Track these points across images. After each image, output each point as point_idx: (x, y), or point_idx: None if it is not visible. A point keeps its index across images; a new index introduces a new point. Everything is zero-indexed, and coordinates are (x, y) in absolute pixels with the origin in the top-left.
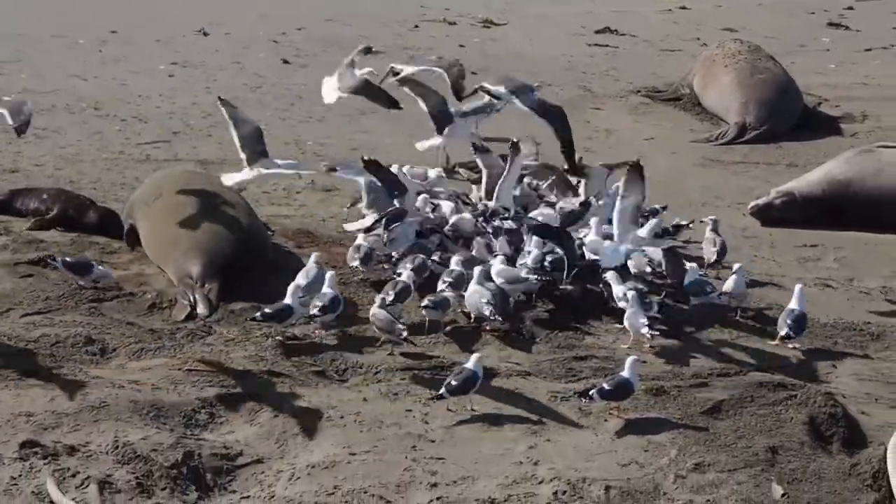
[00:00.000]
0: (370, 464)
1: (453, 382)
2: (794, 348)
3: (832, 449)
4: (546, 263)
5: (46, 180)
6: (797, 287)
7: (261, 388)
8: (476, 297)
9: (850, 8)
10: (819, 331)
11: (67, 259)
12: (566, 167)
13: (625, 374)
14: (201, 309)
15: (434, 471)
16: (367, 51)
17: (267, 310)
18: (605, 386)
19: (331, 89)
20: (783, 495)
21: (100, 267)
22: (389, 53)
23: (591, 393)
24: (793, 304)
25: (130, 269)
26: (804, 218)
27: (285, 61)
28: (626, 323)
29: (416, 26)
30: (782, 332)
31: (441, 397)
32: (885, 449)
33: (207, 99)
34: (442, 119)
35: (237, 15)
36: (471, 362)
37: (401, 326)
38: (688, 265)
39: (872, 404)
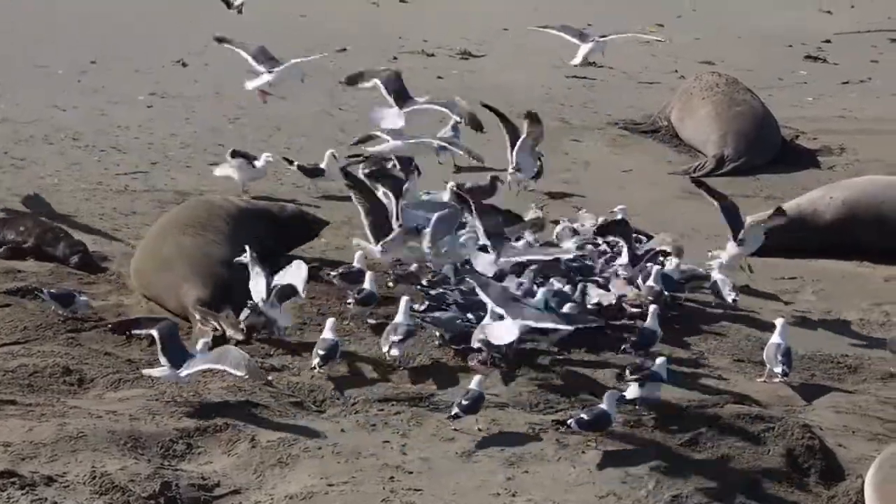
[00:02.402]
0: (348, 494)
1: (465, 402)
2: (781, 382)
3: (810, 481)
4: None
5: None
6: (780, 321)
7: (238, 418)
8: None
9: (828, 41)
10: (797, 363)
11: (53, 291)
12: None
13: (603, 406)
14: (235, 334)
15: (412, 502)
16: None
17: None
18: (584, 416)
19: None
20: None
21: (82, 298)
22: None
23: (568, 422)
24: (778, 340)
25: (109, 299)
26: (791, 237)
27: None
28: None
29: (395, 58)
30: (777, 370)
31: (457, 416)
32: (863, 481)
33: (186, 129)
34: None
35: (215, 46)
36: (474, 383)
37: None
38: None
39: (850, 437)
